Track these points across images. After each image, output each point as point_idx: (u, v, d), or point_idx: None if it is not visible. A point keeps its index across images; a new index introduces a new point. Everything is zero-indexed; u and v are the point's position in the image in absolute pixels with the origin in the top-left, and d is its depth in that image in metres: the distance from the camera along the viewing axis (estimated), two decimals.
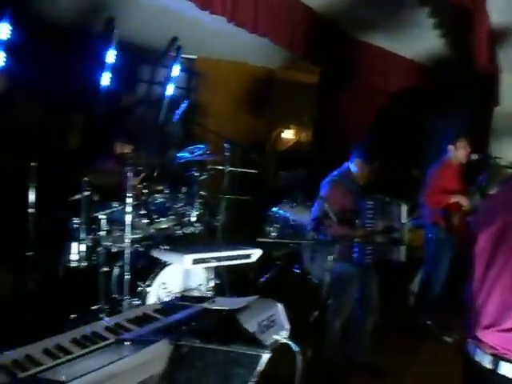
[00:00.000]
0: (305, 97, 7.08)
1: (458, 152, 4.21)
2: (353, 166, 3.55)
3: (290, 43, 5.02)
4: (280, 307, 1.61)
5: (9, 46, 4.27)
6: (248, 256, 2.99)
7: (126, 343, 1.27)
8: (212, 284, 3.39)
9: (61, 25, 5.22)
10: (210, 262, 2.75)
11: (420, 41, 5.62)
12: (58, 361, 1.22)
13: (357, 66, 5.74)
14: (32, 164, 2.98)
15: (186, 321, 1.39)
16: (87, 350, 1.28)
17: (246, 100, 7.13)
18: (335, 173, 3.62)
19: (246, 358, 0.83)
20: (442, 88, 6.44)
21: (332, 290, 3.05)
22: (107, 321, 1.52)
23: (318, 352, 2.72)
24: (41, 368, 1.18)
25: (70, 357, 1.24)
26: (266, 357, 0.83)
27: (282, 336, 1.56)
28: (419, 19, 5.04)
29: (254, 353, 0.82)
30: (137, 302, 3.32)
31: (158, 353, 1.15)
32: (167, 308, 1.62)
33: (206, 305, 1.55)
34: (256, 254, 3.06)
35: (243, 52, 6.65)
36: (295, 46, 5.07)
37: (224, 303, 1.53)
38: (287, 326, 1.61)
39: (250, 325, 1.36)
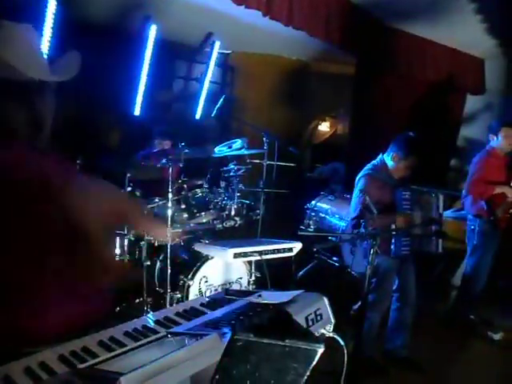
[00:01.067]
0: (341, 89, 7.00)
1: (502, 141, 4.09)
2: (389, 159, 3.50)
3: (326, 34, 4.97)
4: (325, 301, 1.62)
5: (51, 46, 4.40)
6: (289, 249, 3.00)
7: (176, 337, 1.30)
8: (253, 278, 3.43)
9: (100, 23, 5.34)
10: (251, 255, 2.77)
11: (459, 28, 5.46)
12: (113, 353, 1.26)
13: (394, 56, 5.63)
14: (77, 161, 3.07)
15: (235, 315, 1.41)
16: (140, 342, 1.32)
17: (282, 93, 7.11)
18: (369, 166, 3.58)
19: (301, 352, 0.84)
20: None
21: (372, 283, 3.03)
22: (156, 314, 1.56)
23: (358, 346, 2.71)
24: (97, 360, 1.22)
25: (124, 349, 1.28)
26: (320, 351, 0.84)
27: (329, 330, 1.57)
28: (459, 5, 4.90)
29: (309, 347, 0.83)
30: (179, 296, 3.39)
31: (209, 346, 1.18)
32: (213, 302, 1.65)
33: (252, 299, 1.56)
34: (297, 247, 3.07)
35: (278, 45, 6.63)
36: (331, 37, 5.02)
37: (270, 297, 1.55)
38: (333, 319, 1.61)
39: (298, 319, 1.37)
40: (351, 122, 6.72)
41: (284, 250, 2.95)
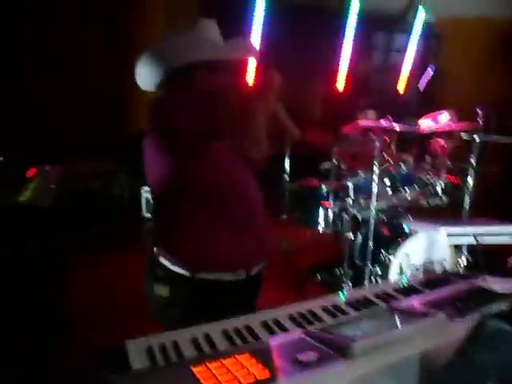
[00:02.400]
0: None
1: None
2: None
3: None
4: None
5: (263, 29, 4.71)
6: (510, 234, 2.73)
7: (399, 312, 1.31)
8: (460, 260, 3.24)
9: (303, 4, 5.49)
10: (466, 236, 2.60)
11: None
12: (338, 320, 1.33)
13: None
14: None
15: (460, 298, 1.37)
16: (362, 313, 1.37)
17: (493, 59, 6.39)
18: None
19: None
20: None
21: None
22: (374, 287, 1.58)
23: None
24: (324, 324, 1.30)
25: (347, 317, 1.34)
26: None
27: None
28: None
29: None
30: (378, 271, 3.39)
31: (437, 326, 1.17)
32: (431, 281, 1.61)
33: (475, 282, 1.49)
34: None
35: (484, 6, 5.95)
36: None
37: (498, 284, 1.45)
38: None
39: None
40: None
41: (505, 235, 2.68)
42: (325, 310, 1.42)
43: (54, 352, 2.39)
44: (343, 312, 1.39)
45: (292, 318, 1.36)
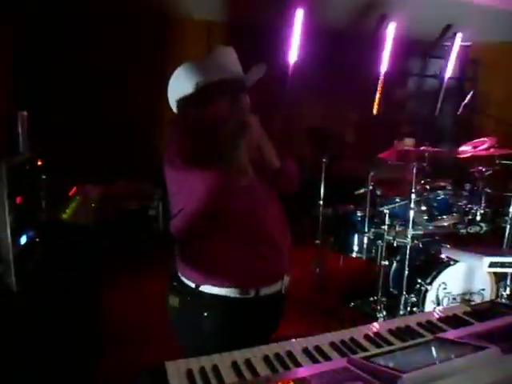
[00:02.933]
0: None
1: None
2: None
3: None
4: None
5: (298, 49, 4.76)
6: None
7: (448, 344, 1.26)
8: (507, 291, 3.12)
9: (339, 26, 5.54)
10: (510, 267, 2.53)
11: None
12: (382, 349, 1.28)
13: None
14: (323, 160, 3.24)
15: (511, 330, 1.31)
16: (407, 343, 1.32)
17: None
18: None
19: None
20: None
21: None
22: (417, 316, 1.53)
23: None
24: (368, 353, 1.25)
25: (391, 347, 1.30)
26: None
27: None
28: None
29: None
30: (414, 299, 3.30)
31: (490, 360, 1.11)
32: (480, 312, 1.55)
33: None
34: None
35: None
36: None
37: None
38: None
39: None
40: None
41: None
42: (367, 338, 1.37)
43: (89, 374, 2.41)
44: (386, 341, 1.35)
45: (334, 346, 1.33)
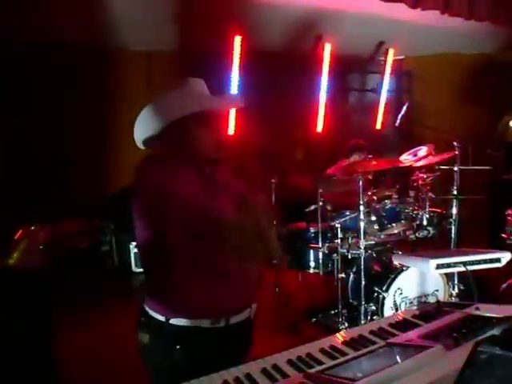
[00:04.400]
0: None
1: None
2: None
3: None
4: None
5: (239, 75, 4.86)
6: (497, 260, 2.76)
7: (398, 348, 1.31)
8: (455, 290, 3.25)
9: (275, 49, 5.70)
10: (455, 266, 2.64)
11: None
12: (337, 361, 1.32)
13: None
14: (272, 180, 3.31)
15: (454, 327, 1.37)
16: (361, 352, 1.36)
17: (464, 92, 6.65)
18: None
19: None
20: None
21: None
22: (370, 325, 1.58)
23: None
24: (323, 366, 1.29)
25: (346, 358, 1.33)
26: None
27: None
28: None
29: None
30: (373, 308, 3.38)
31: (435, 358, 1.17)
32: (426, 314, 1.62)
33: (469, 311, 1.50)
34: (506, 257, 2.81)
35: (455, 42, 6.26)
36: None
37: (490, 310, 1.47)
38: None
39: None
40: None
41: (491, 261, 2.72)
42: (323, 352, 1.41)
43: None
44: (341, 352, 1.39)
45: (291, 363, 1.35)
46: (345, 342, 1.46)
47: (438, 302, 1.71)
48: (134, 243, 4.36)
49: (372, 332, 1.52)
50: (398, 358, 1.24)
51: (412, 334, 1.42)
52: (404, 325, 1.56)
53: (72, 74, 5.21)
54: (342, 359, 1.34)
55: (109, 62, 5.62)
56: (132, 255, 4.43)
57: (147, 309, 1.70)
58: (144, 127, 1.74)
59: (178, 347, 1.63)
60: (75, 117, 5.17)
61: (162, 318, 1.65)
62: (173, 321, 1.63)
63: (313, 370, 1.27)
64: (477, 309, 1.54)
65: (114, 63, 5.68)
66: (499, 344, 0.85)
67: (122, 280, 4.38)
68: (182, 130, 1.70)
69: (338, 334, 1.52)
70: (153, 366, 1.70)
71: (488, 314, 1.43)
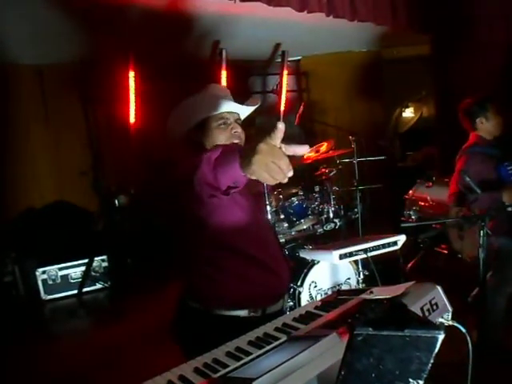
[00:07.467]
0: (418, 70, 6.75)
1: None
2: (478, 130, 3.27)
3: (393, 20, 4.88)
4: (439, 289, 1.59)
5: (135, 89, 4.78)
6: (394, 243, 2.96)
7: (297, 341, 1.35)
8: (361, 276, 3.42)
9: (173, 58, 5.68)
10: (357, 254, 2.78)
11: None
12: (241, 362, 1.34)
13: (470, 24, 5.31)
14: None
15: (350, 313, 1.45)
16: (264, 350, 1.39)
17: (359, 88, 7.03)
18: (467, 145, 3.38)
19: (422, 340, 0.85)
20: None
21: (489, 266, 2.87)
22: (275, 322, 1.62)
23: (482, 334, 2.58)
24: (228, 369, 1.31)
25: (250, 357, 1.36)
26: (441, 338, 0.85)
27: (447, 319, 1.54)
28: None
29: (429, 335, 0.85)
30: (291, 304, 3.46)
31: (330, 345, 1.23)
32: (327, 304, 1.69)
33: (364, 296, 1.59)
34: (401, 240, 3.02)
35: (345, 41, 6.60)
36: (399, 21, 4.91)
37: (382, 292, 1.56)
38: (450, 308, 1.58)
39: (413, 310, 1.37)
40: (436, 102, 6.42)
41: (389, 245, 2.91)
42: (228, 354, 1.42)
43: None
44: (246, 353, 1.41)
45: (198, 370, 1.35)
46: (250, 342, 1.48)
47: (338, 291, 1.79)
48: (40, 270, 4.11)
49: (277, 329, 1.56)
50: (297, 350, 1.28)
51: (312, 325, 1.48)
52: (307, 317, 1.62)
53: None
54: (247, 359, 1.36)
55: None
56: (40, 282, 4.17)
57: (187, 300, 1.81)
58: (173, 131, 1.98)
59: (215, 337, 1.62)
60: None
61: (201, 308, 1.76)
62: (212, 311, 1.75)
63: (217, 375, 1.28)
64: (371, 292, 1.62)
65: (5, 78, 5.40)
66: (371, 325, 0.91)
67: (31, 310, 4.12)
68: (203, 131, 1.89)
69: (244, 335, 1.54)
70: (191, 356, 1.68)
71: (380, 297, 1.52)
